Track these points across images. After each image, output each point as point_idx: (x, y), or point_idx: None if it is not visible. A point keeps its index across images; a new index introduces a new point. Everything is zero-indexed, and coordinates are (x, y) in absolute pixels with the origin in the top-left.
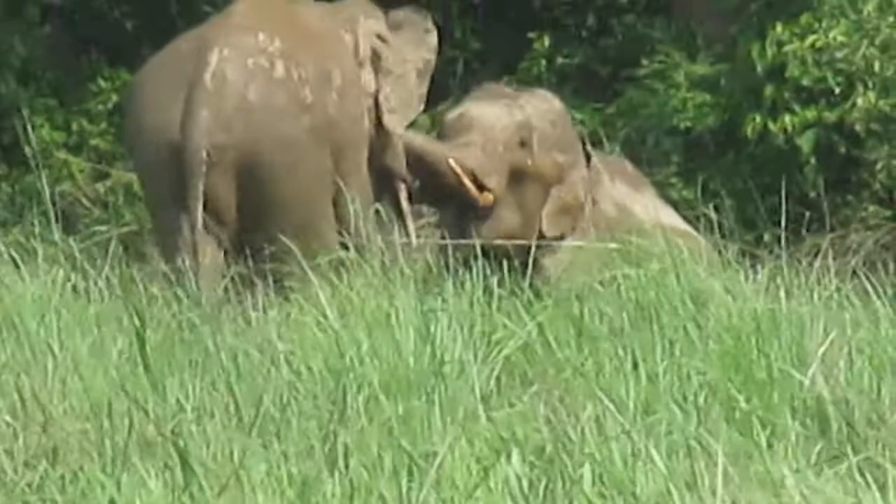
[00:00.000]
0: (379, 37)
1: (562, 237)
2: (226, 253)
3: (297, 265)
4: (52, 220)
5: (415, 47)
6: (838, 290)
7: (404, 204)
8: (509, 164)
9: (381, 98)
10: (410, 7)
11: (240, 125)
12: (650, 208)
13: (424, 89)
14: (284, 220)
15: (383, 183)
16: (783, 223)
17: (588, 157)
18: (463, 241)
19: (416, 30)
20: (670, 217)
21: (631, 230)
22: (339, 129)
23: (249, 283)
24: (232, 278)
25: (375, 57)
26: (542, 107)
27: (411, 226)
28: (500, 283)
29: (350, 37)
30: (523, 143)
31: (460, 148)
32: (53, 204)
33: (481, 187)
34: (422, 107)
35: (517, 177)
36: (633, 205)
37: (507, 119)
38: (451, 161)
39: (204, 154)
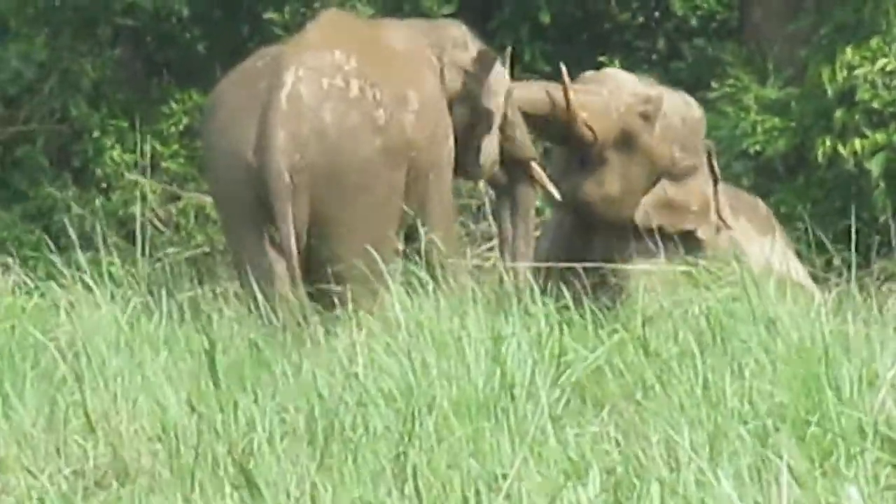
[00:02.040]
0: (466, 71)
1: (649, 231)
2: (296, 272)
3: (361, 286)
4: (138, 239)
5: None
6: None
7: (538, 175)
8: (622, 127)
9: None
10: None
11: (314, 146)
12: (768, 253)
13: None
14: (350, 239)
15: (515, 170)
16: (853, 247)
17: (715, 180)
18: (539, 265)
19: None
20: (789, 266)
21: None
22: (417, 150)
23: (318, 304)
24: (301, 300)
25: (466, 93)
26: (679, 103)
27: (552, 188)
28: (574, 300)
29: (437, 62)
30: (645, 117)
31: (580, 90)
32: (124, 226)
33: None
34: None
35: (627, 145)
36: (750, 245)
37: (641, 88)
38: (566, 73)
39: (287, 176)
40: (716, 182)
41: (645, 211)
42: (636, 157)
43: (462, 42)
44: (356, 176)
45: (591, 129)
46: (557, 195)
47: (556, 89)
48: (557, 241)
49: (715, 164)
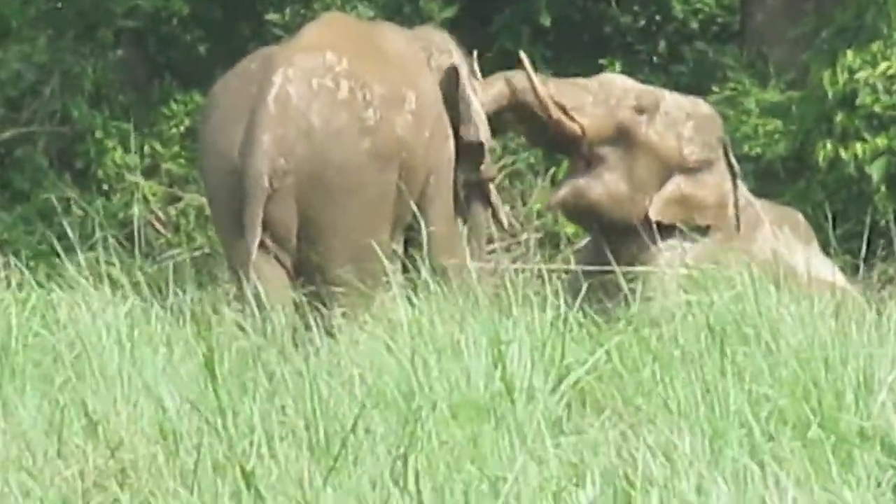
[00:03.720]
0: (449, 76)
1: (663, 227)
2: (290, 276)
3: (354, 289)
4: (137, 241)
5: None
6: None
7: (495, 199)
8: (617, 122)
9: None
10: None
11: (301, 148)
12: (812, 262)
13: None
14: (340, 243)
15: (471, 189)
16: (862, 249)
17: (733, 175)
18: (553, 268)
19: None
20: (831, 274)
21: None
22: (411, 152)
23: (315, 306)
24: (297, 303)
25: (451, 95)
26: (683, 101)
27: (504, 217)
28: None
29: (429, 66)
30: (641, 111)
31: (564, 84)
32: (125, 227)
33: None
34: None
35: (627, 142)
36: (793, 255)
37: (633, 84)
38: (525, 59)
39: (266, 180)
40: (734, 177)
41: (658, 206)
42: (639, 154)
43: (446, 48)
44: (343, 178)
45: (576, 122)
46: (506, 223)
47: (519, 78)
48: (586, 252)
49: (732, 159)
